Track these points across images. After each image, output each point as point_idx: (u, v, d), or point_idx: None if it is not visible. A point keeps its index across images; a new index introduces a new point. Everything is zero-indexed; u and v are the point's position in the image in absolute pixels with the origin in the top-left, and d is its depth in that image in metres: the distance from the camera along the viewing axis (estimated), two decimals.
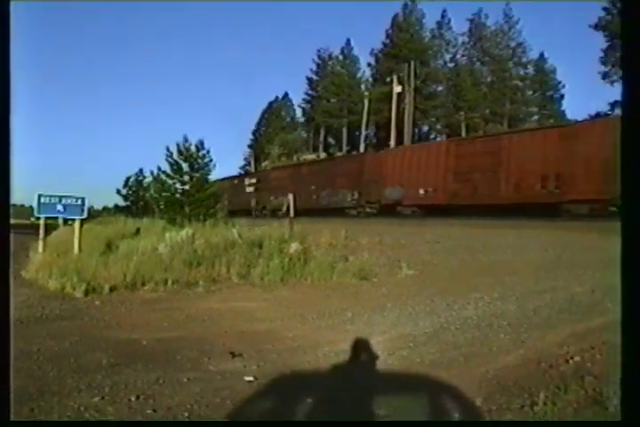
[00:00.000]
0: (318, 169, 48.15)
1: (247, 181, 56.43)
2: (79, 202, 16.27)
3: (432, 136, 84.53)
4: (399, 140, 67.15)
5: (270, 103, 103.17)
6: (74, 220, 16.62)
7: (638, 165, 3.18)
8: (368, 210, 39.79)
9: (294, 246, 14.30)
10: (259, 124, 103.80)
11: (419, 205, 35.82)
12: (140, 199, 45.25)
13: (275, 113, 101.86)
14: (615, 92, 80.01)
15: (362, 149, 76.92)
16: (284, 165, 66.32)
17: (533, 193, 29.74)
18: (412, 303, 9.58)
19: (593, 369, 5.82)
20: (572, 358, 6.18)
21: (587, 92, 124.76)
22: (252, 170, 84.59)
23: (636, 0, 3.32)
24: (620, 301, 3.14)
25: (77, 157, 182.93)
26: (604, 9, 66.73)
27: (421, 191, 35.90)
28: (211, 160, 25.20)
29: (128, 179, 47.97)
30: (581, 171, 27.66)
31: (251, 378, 6.17)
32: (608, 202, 25.40)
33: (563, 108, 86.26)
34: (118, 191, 47.85)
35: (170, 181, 24.96)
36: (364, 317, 8.97)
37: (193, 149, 24.80)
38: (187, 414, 5.16)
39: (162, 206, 25.65)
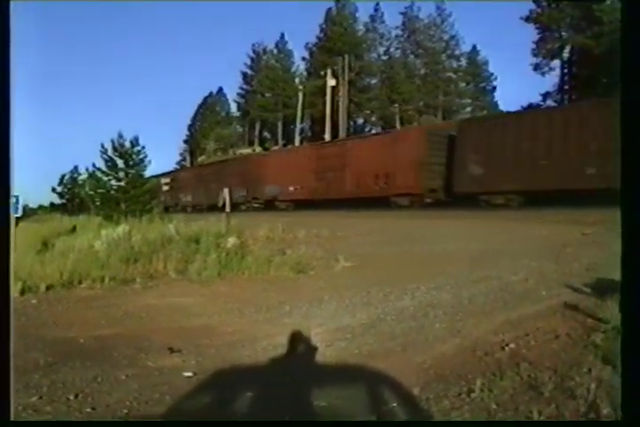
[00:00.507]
0: (217, 170, 54.79)
1: (162, 181, 59.07)
2: (13, 200, 16.05)
3: (367, 129, 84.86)
4: (334, 133, 67.40)
5: (205, 98, 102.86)
6: None
7: (638, 164, 3.21)
8: (255, 205, 46.76)
9: (231, 241, 14.26)
10: (194, 119, 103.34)
11: (291, 200, 43.70)
12: (75, 197, 44.94)
13: (210, 108, 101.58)
14: (546, 82, 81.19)
15: (297, 142, 76.94)
16: (200, 164, 72.87)
17: (369, 189, 36.93)
18: (349, 295, 9.62)
19: (528, 355, 5.91)
20: (507, 345, 6.26)
21: (519, 84, 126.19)
22: (188, 165, 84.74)
23: (636, 0, 3.36)
24: (620, 300, 3.19)
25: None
26: (535, 1, 67.55)
27: (291, 188, 43.51)
28: (146, 156, 25.09)
29: (63, 176, 47.56)
30: (401, 170, 34.73)
31: (189, 373, 6.15)
32: (422, 195, 33.88)
33: (495, 99, 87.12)
34: (54, 189, 47.42)
35: (105, 178, 24.78)
36: (302, 309, 8.98)
37: (128, 145, 24.63)
38: (126, 411, 5.13)
39: (97, 203, 25.45)
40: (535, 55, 70.20)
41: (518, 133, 29.75)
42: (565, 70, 70.08)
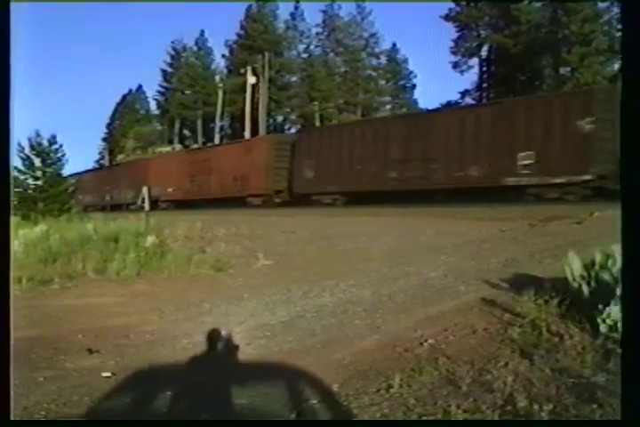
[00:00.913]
0: (112, 172, 58.77)
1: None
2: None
3: (287, 126, 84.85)
4: (254, 131, 67.22)
5: (124, 96, 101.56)
6: None
7: (638, 164, 3.22)
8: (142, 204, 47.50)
9: (150, 240, 14.14)
10: (112, 117, 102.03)
11: (170, 200, 46.58)
12: None
13: (128, 106, 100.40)
14: (465, 81, 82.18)
15: (217, 140, 76.59)
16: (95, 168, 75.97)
17: (229, 189, 41.14)
18: (268, 293, 9.62)
19: (446, 350, 5.98)
20: (426, 340, 6.32)
21: (438, 82, 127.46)
22: (107, 164, 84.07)
23: (636, 0, 3.37)
24: (620, 300, 3.21)
25: None
26: (454, 0, 68.24)
27: (170, 190, 46.84)
28: (64, 155, 24.76)
29: None
30: (254, 173, 38.88)
31: (108, 374, 6.08)
32: (271, 196, 37.93)
33: (415, 97, 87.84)
34: None
35: (22, 177, 24.39)
36: (222, 308, 8.96)
37: (45, 143, 24.27)
38: (44, 413, 5.06)
39: (15, 203, 25.01)
40: (454, 53, 71.02)
41: (342, 142, 34.02)
42: (484, 68, 71.01)
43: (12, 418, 3.48)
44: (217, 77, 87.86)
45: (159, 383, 5.78)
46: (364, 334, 6.92)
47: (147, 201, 22.81)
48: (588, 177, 24.12)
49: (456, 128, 28.60)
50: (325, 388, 5.36)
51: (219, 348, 7.05)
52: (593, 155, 23.92)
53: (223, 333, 7.36)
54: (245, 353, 6.68)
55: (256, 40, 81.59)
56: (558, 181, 24.59)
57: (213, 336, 7.25)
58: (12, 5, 3.48)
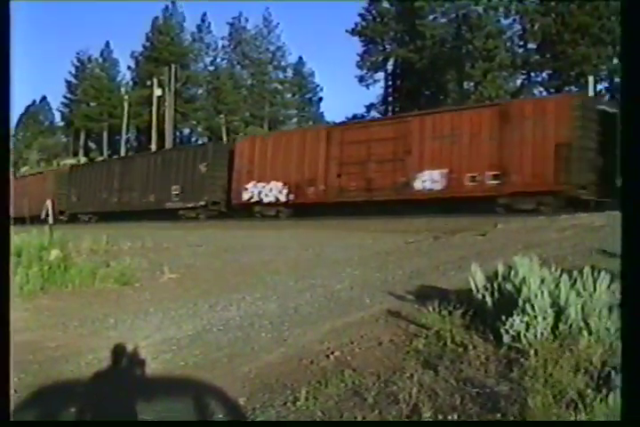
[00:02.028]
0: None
1: None
2: None
3: (194, 139, 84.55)
4: (160, 144, 66.76)
5: (27, 107, 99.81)
6: None
7: (638, 165, 3.22)
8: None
9: (54, 253, 13.85)
10: (16, 128, 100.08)
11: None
12: None
13: (32, 117, 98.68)
14: (370, 95, 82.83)
15: (123, 152, 75.91)
16: None
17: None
18: (174, 307, 9.55)
19: (352, 362, 6.02)
20: (332, 353, 6.34)
21: (344, 95, 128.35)
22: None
23: (636, 0, 3.37)
24: (620, 301, 3.19)
25: None
26: (360, 15, 68.93)
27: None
28: None
29: None
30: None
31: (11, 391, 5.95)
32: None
33: (321, 110, 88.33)
34: None
35: None
36: (127, 322, 8.86)
37: None
38: None
39: None
40: (360, 68, 71.62)
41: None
42: (389, 82, 71.80)
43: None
44: (122, 89, 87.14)
45: (63, 400, 5.69)
46: (271, 347, 6.91)
47: (50, 214, 22.39)
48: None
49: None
50: (232, 402, 5.34)
51: (124, 363, 6.96)
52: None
53: (129, 347, 7.28)
54: (151, 368, 6.62)
55: (162, 52, 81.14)
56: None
57: (119, 351, 7.16)
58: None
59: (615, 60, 50.41)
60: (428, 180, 26.46)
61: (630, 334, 3.17)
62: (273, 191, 31.90)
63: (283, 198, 31.53)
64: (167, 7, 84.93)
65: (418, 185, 26.67)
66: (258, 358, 6.54)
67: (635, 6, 3.32)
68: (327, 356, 6.29)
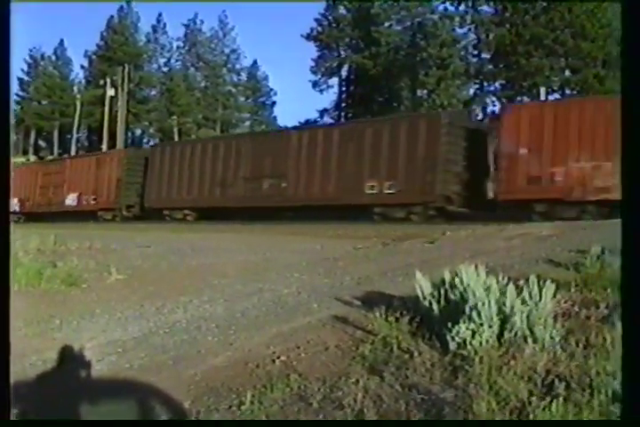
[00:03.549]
0: None
1: None
2: None
3: (145, 140, 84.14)
4: (112, 144, 66.41)
5: None
6: None
7: (638, 166, 3.20)
8: None
9: None
10: None
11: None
12: None
13: None
14: (324, 100, 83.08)
15: (73, 152, 75.35)
16: None
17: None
18: (121, 308, 9.48)
19: (298, 367, 6.00)
20: (278, 357, 6.32)
21: (298, 100, 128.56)
22: None
23: (636, 0, 3.35)
24: (620, 301, 3.16)
25: None
26: (316, 20, 69.12)
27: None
28: None
29: None
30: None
31: None
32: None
33: (274, 114, 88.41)
34: None
35: None
36: (73, 323, 8.78)
37: None
38: None
39: None
40: (314, 73, 71.80)
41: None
42: (343, 88, 72.04)
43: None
44: (75, 88, 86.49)
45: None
46: (217, 350, 6.88)
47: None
48: None
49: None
50: (176, 405, 5.31)
51: (69, 364, 6.89)
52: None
53: (74, 349, 7.21)
54: (96, 369, 6.56)
55: (116, 52, 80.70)
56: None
57: (64, 353, 7.09)
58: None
59: (567, 72, 51.12)
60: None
61: (630, 335, 3.19)
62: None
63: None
64: (122, 7, 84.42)
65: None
66: (204, 362, 6.50)
67: (635, 6, 3.33)
68: (273, 360, 6.27)
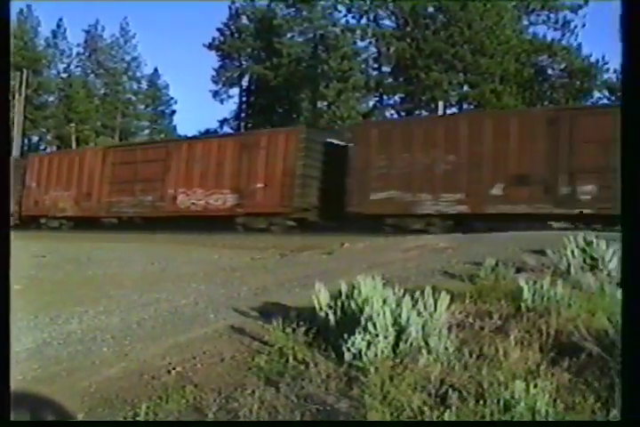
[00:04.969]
0: None
1: None
2: None
3: (42, 147, 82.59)
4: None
5: None
6: None
7: (638, 167, 3.19)
8: None
9: None
10: None
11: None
12: None
13: None
14: (224, 110, 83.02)
15: None
16: None
17: None
18: (14, 319, 9.23)
19: (194, 378, 5.99)
20: (174, 368, 6.31)
21: (198, 109, 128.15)
22: None
23: (636, 0, 3.34)
24: (621, 301, 3.16)
25: None
26: (218, 30, 68.99)
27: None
28: None
29: None
30: None
31: None
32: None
33: (174, 123, 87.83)
34: None
35: None
36: None
37: None
38: None
39: None
40: (215, 82, 71.60)
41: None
42: (243, 98, 71.97)
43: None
44: None
45: None
46: (112, 361, 6.81)
47: None
48: None
49: None
50: (70, 416, 5.26)
51: None
52: None
53: None
54: None
55: (14, 56, 79.01)
56: None
57: None
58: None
59: (465, 87, 52.05)
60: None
61: (630, 335, 3.19)
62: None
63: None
64: (22, 10, 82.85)
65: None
66: (98, 373, 6.44)
67: (635, 6, 3.37)
68: (169, 371, 6.25)
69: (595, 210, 20.23)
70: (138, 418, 5.10)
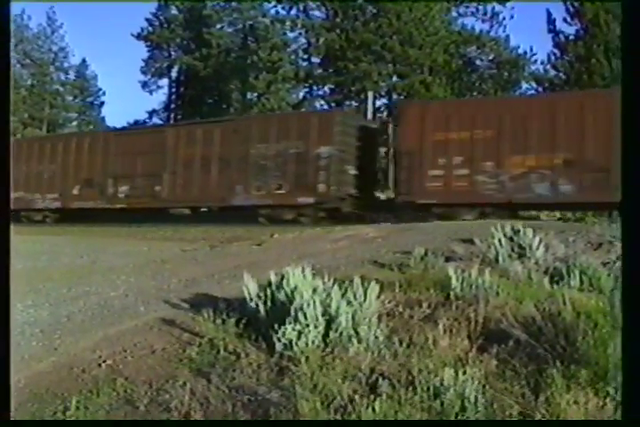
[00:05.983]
0: None
1: None
2: None
3: None
4: None
5: None
6: None
7: (638, 167, 3.19)
8: None
9: None
10: None
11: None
12: None
13: None
14: (153, 101, 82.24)
15: None
16: None
17: None
18: None
19: (124, 371, 5.98)
20: (104, 361, 6.28)
21: (127, 100, 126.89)
22: None
23: (636, 0, 3.33)
24: (621, 302, 3.15)
25: None
26: (147, 20, 68.32)
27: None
28: None
29: None
30: None
31: None
32: None
33: (102, 114, 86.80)
34: None
35: None
36: None
37: None
38: None
39: None
40: (144, 73, 70.90)
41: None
42: (173, 89, 71.39)
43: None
44: None
45: None
46: (41, 355, 6.76)
47: None
48: None
49: None
50: None
51: None
52: None
53: None
54: None
55: None
56: None
57: None
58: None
59: (395, 78, 52.27)
60: None
61: (630, 335, 3.26)
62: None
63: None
64: None
65: None
66: (27, 368, 6.38)
67: (635, 6, 3.39)
68: (99, 364, 6.22)
69: None
70: (68, 412, 5.07)
